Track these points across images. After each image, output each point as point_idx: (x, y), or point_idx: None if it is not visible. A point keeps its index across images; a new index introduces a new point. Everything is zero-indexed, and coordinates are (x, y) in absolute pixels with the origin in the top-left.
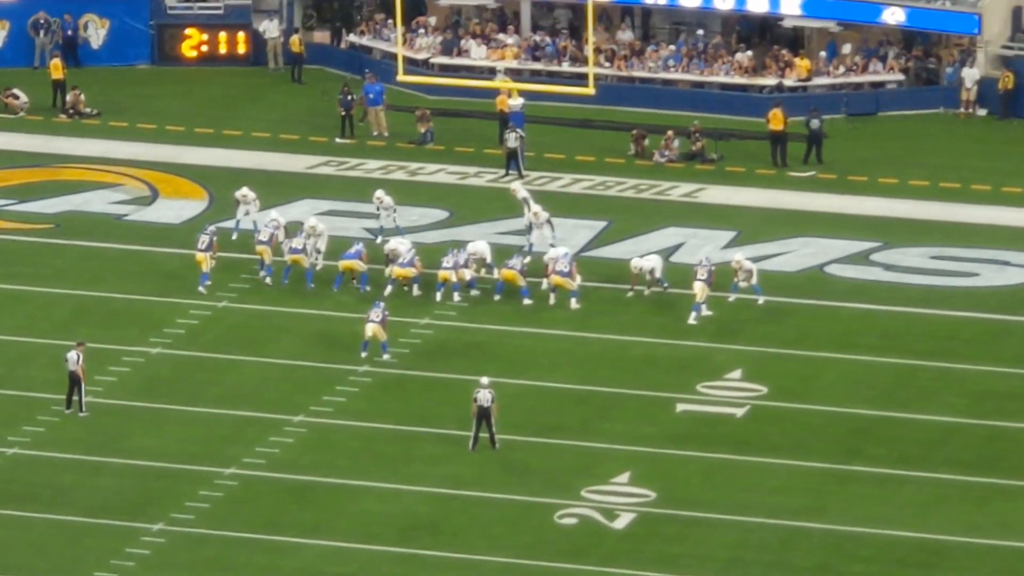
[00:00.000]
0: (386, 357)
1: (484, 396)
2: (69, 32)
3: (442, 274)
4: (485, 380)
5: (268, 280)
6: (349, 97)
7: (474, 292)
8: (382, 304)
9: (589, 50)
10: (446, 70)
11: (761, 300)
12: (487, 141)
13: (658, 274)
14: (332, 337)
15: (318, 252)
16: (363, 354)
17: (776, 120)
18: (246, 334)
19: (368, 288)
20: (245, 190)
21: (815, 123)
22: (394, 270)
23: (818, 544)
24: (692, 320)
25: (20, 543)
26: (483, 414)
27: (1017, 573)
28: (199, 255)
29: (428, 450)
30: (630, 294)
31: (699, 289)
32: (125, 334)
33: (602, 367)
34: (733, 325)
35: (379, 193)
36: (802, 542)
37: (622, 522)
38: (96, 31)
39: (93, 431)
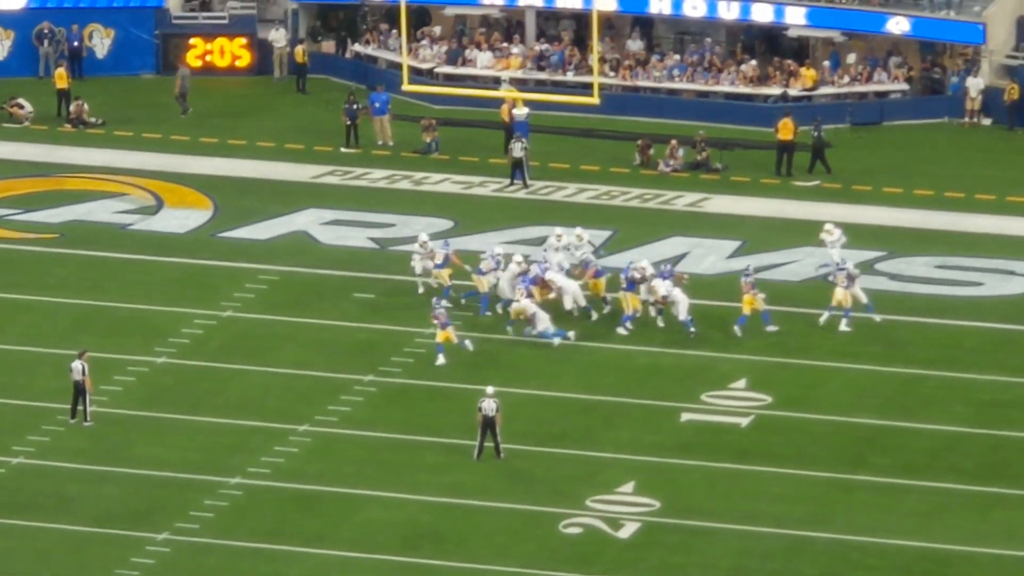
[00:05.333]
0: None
1: (489, 405)
2: (75, 43)
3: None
4: (490, 389)
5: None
6: (354, 106)
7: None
8: (443, 301)
9: (594, 60)
10: (451, 80)
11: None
12: (492, 151)
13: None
14: (336, 346)
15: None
16: (440, 360)
17: (786, 130)
18: (250, 343)
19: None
20: (830, 227)
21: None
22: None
23: (822, 553)
24: (737, 331)
25: (25, 552)
26: (488, 423)
27: None
28: (436, 271)
29: (432, 459)
30: None
31: (751, 301)
32: (129, 344)
33: (607, 376)
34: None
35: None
36: (806, 551)
37: (626, 531)
38: (101, 41)
39: (98, 440)
